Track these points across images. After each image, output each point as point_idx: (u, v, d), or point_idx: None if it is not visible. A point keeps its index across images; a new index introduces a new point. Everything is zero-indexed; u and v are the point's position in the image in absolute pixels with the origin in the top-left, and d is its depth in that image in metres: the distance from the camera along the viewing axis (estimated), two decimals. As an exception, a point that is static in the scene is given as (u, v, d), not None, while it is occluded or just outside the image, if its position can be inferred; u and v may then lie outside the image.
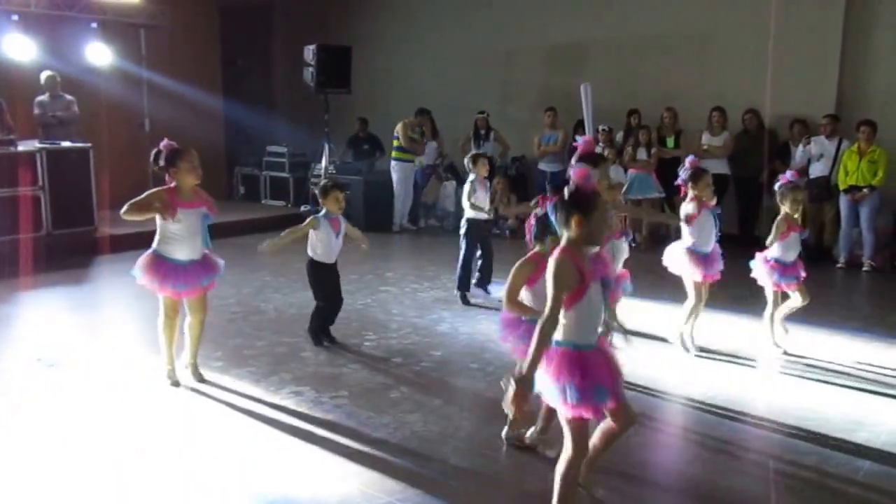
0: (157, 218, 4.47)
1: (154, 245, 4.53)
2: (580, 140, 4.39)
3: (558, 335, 2.86)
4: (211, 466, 3.69)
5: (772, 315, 5.48)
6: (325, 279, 5.52)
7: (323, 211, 5.48)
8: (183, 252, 4.48)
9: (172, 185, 4.50)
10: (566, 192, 2.89)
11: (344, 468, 3.66)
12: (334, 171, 11.26)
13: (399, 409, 4.38)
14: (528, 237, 3.67)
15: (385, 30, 12.99)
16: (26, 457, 3.76)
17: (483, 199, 6.79)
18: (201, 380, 4.75)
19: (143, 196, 4.46)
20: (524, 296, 3.60)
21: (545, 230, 3.45)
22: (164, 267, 4.45)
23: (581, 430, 2.93)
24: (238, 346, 5.45)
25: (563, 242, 2.90)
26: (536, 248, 3.58)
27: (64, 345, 5.53)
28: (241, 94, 13.66)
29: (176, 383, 4.67)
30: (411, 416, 4.27)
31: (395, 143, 10.97)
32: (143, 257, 4.50)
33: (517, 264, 3.54)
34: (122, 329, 6.19)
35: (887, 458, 3.84)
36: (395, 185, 10.96)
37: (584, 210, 2.84)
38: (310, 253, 5.48)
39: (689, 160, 5.43)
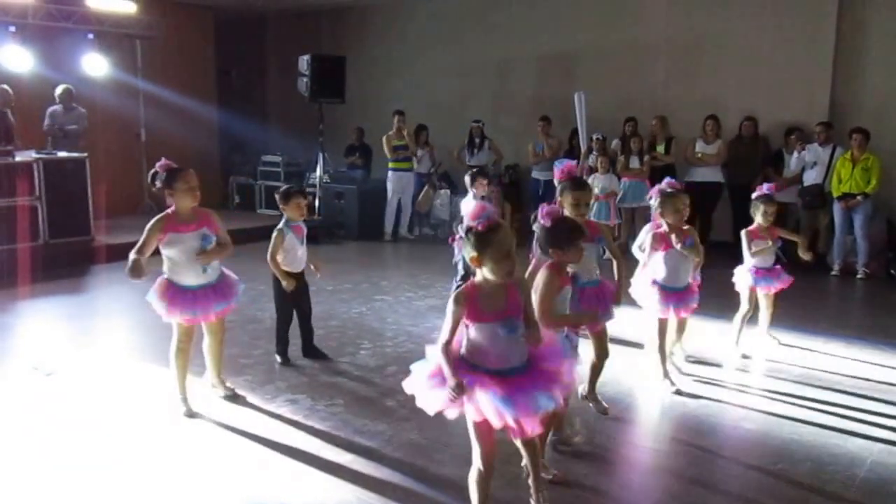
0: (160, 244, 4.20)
1: (164, 271, 4.29)
2: (559, 165, 4.18)
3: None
4: (206, 474, 3.69)
5: (743, 317, 5.60)
6: (292, 291, 5.20)
7: (283, 220, 5.18)
8: (189, 278, 4.21)
9: (171, 209, 4.22)
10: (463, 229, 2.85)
11: (339, 477, 3.67)
12: (329, 181, 11.30)
13: (394, 418, 4.38)
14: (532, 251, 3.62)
15: (378, 41, 13.05)
16: (23, 463, 3.76)
17: None
18: (234, 393, 4.63)
19: (143, 237, 4.11)
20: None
21: (547, 242, 3.35)
22: (173, 293, 4.20)
23: (483, 435, 3.07)
24: (234, 354, 5.44)
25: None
26: (545, 259, 3.44)
27: (61, 354, 5.53)
28: (235, 103, 13.72)
29: (191, 414, 4.35)
30: (407, 425, 4.27)
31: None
32: (156, 283, 4.26)
33: (545, 278, 3.33)
34: (119, 338, 6.20)
35: (883, 467, 3.85)
36: (388, 194, 10.99)
37: (478, 248, 2.80)
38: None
39: (655, 188, 4.93)
